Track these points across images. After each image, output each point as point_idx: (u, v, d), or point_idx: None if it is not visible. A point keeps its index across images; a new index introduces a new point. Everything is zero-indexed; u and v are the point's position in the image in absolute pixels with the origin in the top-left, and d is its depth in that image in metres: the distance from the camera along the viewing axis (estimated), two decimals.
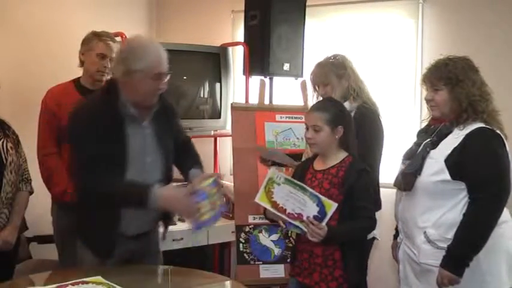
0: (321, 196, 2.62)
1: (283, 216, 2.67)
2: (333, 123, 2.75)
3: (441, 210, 2.60)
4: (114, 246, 2.67)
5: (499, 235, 2.56)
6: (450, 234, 2.55)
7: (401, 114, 4.19)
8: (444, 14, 4.06)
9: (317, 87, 3.27)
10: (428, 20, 4.10)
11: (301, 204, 2.63)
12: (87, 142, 2.54)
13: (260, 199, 2.73)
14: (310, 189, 2.66)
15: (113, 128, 2.58)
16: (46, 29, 4.26)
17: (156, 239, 2.96)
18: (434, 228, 2.61)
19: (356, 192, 2.68)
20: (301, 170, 2.92)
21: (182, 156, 2.88)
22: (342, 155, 2.80)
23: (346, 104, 3.07)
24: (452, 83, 2.60)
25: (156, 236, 2.96)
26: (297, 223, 2.64)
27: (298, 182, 2.70)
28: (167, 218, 2.96)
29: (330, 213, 2.59)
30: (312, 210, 2.61)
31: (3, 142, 3.02)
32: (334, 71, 3.20)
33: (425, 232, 2.63)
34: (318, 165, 2.85)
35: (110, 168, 2.53)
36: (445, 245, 2.56)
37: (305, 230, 2.61)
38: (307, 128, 2.82)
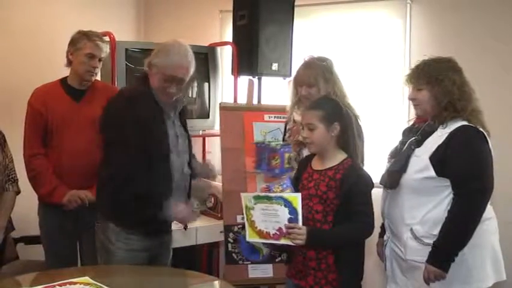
0: (283, 194, 2.66)
1: (272, 242, 2.72)
2: (328, 120, 2.70)
3: (427, 207, 2.64)
4: (166, 222, 2.92)
5: (484, 231, 2.61)
6: (436, 231, 2.59)
7: (389, 114, 4.20)
8: (432, 14, 4.08)
9: (299, 88, 3.20)
10: (416, 20, 4.12)
11: (274, 216, 2.65)
12: (132, 131, 2.70)
13: (250, 236, 2.77)
14: (273, 194, 2.70)
15: (155, 114, 2.79)
16: (33, 28, 4.24)
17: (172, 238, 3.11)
18: (420, 224, 2.65)
19: (354, 196, 2.63)
20: (301, 167, 2.91)
21: None
22: (341, 156, 2.75)
23: None
24: (432, 82, 2.66)
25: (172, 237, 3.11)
26: (282, 241, 2.66)
27: (262, 194, 2.74)
28: None
29: (299, 207, 2.59)
30: (284, 215, 2.62)
31: None
32: (323, 75, 3.15)
33: (411, 229, 2.66)
34: (315, 164, 2.81)
35: (153, 156, 2.73)
36: (431, 241, 2.59)
37: (290, 243, 2.63)
38: (302, 128, 2.79)
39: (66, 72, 3.37)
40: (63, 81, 3.35)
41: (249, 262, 3.42)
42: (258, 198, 2.71)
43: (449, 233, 2.56)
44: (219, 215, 3.92)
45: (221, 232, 3.58)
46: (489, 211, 2.66)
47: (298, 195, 2.63)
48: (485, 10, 3.88)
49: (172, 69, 2.78)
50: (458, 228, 2.56)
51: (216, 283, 2.88)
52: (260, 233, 2.71)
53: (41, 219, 3.38)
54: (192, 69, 2.86)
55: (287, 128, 3.41)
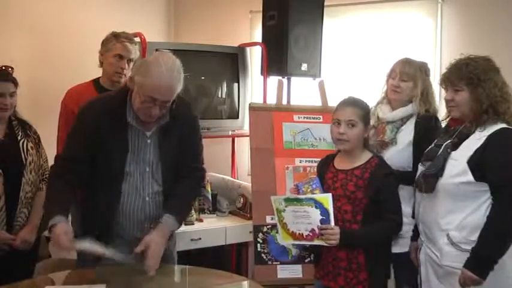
0: (313, 195, 2.67)
1: (305, 243, 2.75)
2: (366, 121, 2.74)
3: (464, 212, 2.56)
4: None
5: None
6: (474, 237, 2.51)
7: None
8: (463, 14, 4.03)
9: (392, 80, 3.17)
10: (447, 20, 4.08)
11: (306, 218, 2.68)
12: (73, 138, 2.65)
13: (283, 238, 2.82)
14: (303, 196, 2.70)
15: (115, 128, 2.59)
16: (64, 29, 4.30)
17: (172, 243, 2.86)
18: (458, 230, 2.57)
19: (383, 195, 2.65)
20: (321, 167, 2.91)
21: (176, 183, 2.74)
22: (367, 155, 2.77)
23: (414, 106, 3.11)
24: (474, 84, 2.56)
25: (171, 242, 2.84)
26: (315, 242, 2.68)
27: (293, 196, 2.75)
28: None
29: (330, 207, 2.62)
30: (315, 216, 2.65)
31: (23, 142, 3.06)
32: (420, 72, 3.16)
33: (448, 234, 2.59)
34: (340, 164, 2.81)
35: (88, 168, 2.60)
36: (469, 247, 2.51)
37: (324, 243, 2.66)
38: (338, 124, 2.76)
39: (98, 72, 3.42)
40: (96, 81, 3.40)
41: (278, 262, 3.41)
42: (288, 201, 2.73)
43: (489, 240, 2.47)
44: (248, 215, 3.93)
45: (250, 232, 3.58)
46: None
47: (329, 196, 2.64)
48: None
49: (151, 91, 2.46)
50: (497, 234, 2.47)
51: (245, 283, 2.88)
52: (293, 235, 2.74)
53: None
54: (177, 88, 2.52)
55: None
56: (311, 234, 2.67)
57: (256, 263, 3.44)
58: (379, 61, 4.24)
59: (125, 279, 2.45)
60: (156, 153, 2.66)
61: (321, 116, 3.64)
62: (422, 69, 3.16)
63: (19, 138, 3.06)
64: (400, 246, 3.03)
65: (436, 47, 4.10)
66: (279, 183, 3.48)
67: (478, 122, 2.58)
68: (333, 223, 2.62)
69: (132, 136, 2.62)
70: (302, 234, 2.70)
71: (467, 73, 2.57)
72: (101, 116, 2.58)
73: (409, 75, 3.12)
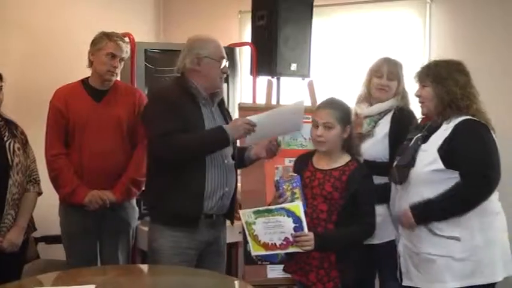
0: (284, 205, 2.68)
1: (279, 252, 2.78)
2: (344, 122, 2.76)
3: None
4: (200, 215, 2.88)
5: (495, 227, 2.70)
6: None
7: None
8: (452, 14, 4.06)
9: (376, 79, 3.29)
10: (436, 20, 4.10)
11: (278, 227, 2.69)
12: (166, 117, 2.78)
13: (254, 249, 2.81)
14: (273, 207, 2.72)
15: (191, 107, 2.86)
16: (53, 30, 4.28)
17: (224, 239, 3.17)
18: None
19: (359, 197, 2.69)
20: (300, 165, 2.92)
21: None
22: (346, 157, 2.80)
23: (392, 101, 3.24)
24: (437, 81, 2.75)
25: (224, 237, 3.18)
26: (290, 249, 2.71)
27: (262, 208, 2.76)
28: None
29: (302, 215, 2.63)
30: (288, 225, 2.65)
31: (10, 143, 3.03)
32: (402, 71, 3.33)
33: None
34: (318, 163, 2.84)
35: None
36: (445, 234, 2.66)
37: (299, 250, 2.67)
38: (316, 126, 2.80)
39: (86, 73, 3.40)
40: (85, 81, 3.37)
41: (268, 263, 3.42)
42: (258, 213, 2.74)
43: (444, 199, 2.64)
44: (238, 216, 3.92)
45: (240, 233, 3.58)
46: (497, 206, 2.74)
47: (300, 204, 2.66)
48: (505, 9, 3.85)
49: (220, 51, 2.98)
50: (453, 199, 2.64)
51: (236, 283, 2.88)
52: (265, 246, 2.75)
53: (62, 219, 3.40)
54: None
55: None
56: (285, 242, 2.69)
57: (246, 263, 3.45)
58: (369, 61, 4.24)
59: (114, 280, 2.44)
60: (224, 123, 2.99)
61: (310, 116, 3.63)
62: (401, 68, 3.32)
63: (5, 138, 3.03)
64: (377, 238, 3.06)
65: (425, 46, 4.13)
66: (269, 183, 3.48)
67: (444, 115, 2.75)
68: (306, 230, 2.64)
69: (205, 111, 2.92)
70: (275, 244, 2.71)
71: (434, 71, 2.78)
72: (180, 97, 2.85)
73: (394, 74, 3.27)
